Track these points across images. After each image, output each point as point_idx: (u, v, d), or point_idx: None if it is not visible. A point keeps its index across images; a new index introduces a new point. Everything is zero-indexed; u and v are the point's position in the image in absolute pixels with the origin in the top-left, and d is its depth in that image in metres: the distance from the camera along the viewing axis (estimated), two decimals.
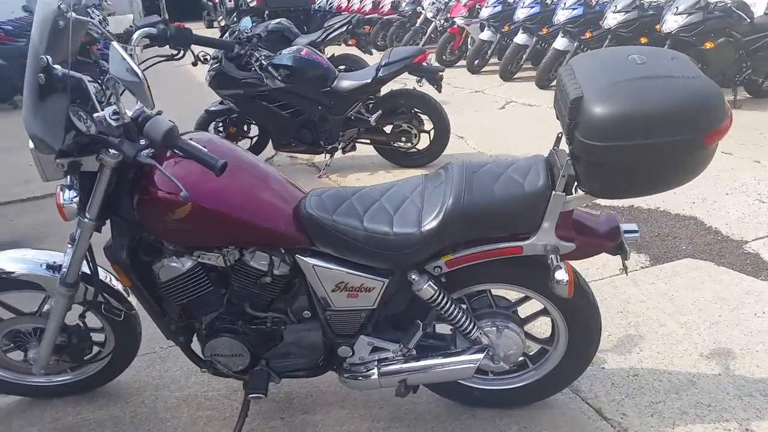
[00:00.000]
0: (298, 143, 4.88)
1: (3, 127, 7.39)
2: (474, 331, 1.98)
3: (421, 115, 4.86)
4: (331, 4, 14.17)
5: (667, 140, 1.55)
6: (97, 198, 1.81)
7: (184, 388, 2.46)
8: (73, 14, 1.75)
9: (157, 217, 1.81)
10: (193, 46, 2.75)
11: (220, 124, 5.12)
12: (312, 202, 1.94)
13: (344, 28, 6.83)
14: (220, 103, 4.98)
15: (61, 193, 1.73)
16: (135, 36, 1.92)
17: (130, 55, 1.63)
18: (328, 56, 7.26)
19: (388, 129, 4.92)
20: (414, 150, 4.98)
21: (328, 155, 4.93)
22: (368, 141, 4.95)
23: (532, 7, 8.12)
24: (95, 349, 2.35)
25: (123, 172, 1.81)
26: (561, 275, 1.70)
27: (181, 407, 2.37)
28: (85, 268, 2.03)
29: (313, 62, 4.68)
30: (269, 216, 1.87)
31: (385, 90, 4.90)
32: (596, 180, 1.69)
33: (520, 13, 8.20)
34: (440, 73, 4.72)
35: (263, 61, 4.62)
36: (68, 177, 1.75)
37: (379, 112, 4.72)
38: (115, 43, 1.56)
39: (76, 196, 1.73)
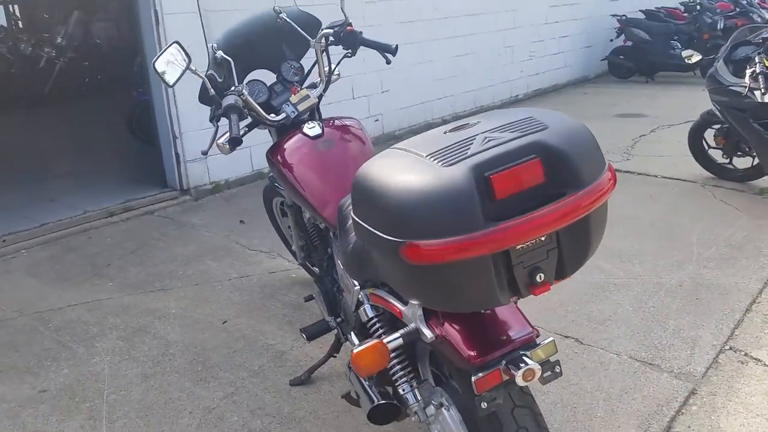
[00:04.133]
0: None
1: (613, 98, 8.13)
2: (401, 381, 1.75)
3: None
4: None
5: (369, 229, 1.20)
6: None
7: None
8: (284, 15, 2.39)
9: (270, 163, 2.34)
10: None
11: (716, 132, 4.50)
12: None
13: None
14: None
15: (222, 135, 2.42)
16: (318, 35, 2.38)
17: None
18: None
19: None
20: None
21: None
22: None
23: None
24: None
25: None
26: (357, 347, 1.42)
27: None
28: None
29: None
30: (320, 195, 2.13)
31: None
32: None
33: None
34: None
35: (757, 69, 3.83)
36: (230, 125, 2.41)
37: None
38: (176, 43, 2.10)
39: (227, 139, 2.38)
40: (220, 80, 2.26)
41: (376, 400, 1.78)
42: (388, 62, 2.47)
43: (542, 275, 1.20)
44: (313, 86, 2.47)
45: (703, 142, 4.63)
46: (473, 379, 1.34)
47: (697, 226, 3.83)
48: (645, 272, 3.27)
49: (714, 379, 2.40)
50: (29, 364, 2.71)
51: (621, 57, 9.17)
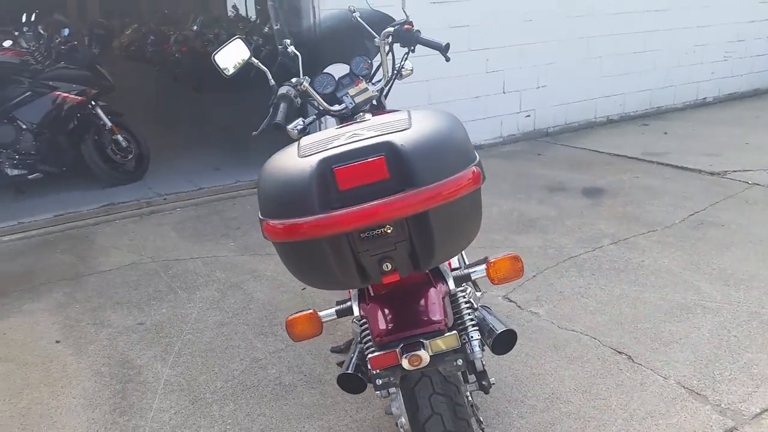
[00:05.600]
0: None
1: None
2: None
3: None
4: None
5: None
6: None
7: None
8: (357, 15, 2.58)
9: None
10: None
11: None
12: None
13: None
14: None
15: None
16: (383, 32, 2.51)
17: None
18: None
19: None
20: None
21: None
22: None
23: None
24: None
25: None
26: (292, 314, 1.57)
27: None
28: None
29: None
30: None
31: None
32: None
33: None
34: None
35: None
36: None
37: None
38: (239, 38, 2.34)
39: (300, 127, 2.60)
40: (293, 69, 2.53)
41: (348, 370, 1.93)
42: (447, 59, 2.53)
43: (389, 265, 1.29)
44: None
45: None
46: (369, 356, 1.44)
47: None
48: (746, 299, 2.93)
49: (765, 422, 2.14)
50: (140, 301, 3.26)
51: None
